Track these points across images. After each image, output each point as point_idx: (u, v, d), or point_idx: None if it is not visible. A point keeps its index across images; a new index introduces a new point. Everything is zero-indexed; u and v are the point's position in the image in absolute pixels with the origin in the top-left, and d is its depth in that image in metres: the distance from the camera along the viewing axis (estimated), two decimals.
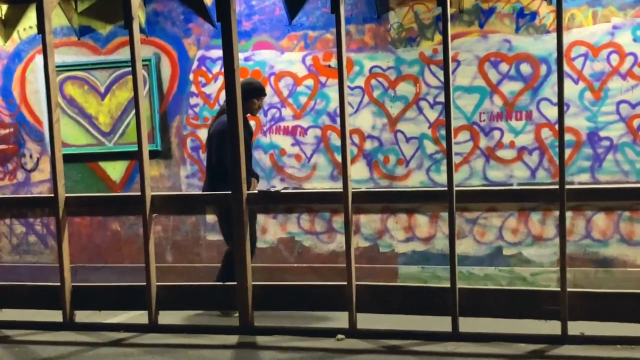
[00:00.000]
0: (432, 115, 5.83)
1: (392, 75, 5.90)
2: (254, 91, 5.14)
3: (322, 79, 6.04)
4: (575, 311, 3.68)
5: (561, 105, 3.66)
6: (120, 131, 6.50)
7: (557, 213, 3.75)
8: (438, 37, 5.74)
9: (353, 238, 4.03)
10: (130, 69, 4.38)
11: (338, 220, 6.02)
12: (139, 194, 4.27)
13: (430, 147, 5.86)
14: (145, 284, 4.26)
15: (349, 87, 5.87)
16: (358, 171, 5.94)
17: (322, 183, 6.05)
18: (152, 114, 6.31)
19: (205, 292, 4.37)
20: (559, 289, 3.70)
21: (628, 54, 5.42)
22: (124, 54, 6.32)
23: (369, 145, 5.99)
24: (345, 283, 3.99)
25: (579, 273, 5.51)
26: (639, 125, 5.44)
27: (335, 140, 5.98)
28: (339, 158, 5.85)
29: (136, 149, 4.27)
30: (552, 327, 3.74)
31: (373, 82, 5.95)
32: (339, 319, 4.13)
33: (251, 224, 5.33)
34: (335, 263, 5.97)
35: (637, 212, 5.47)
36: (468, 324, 3.83)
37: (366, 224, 6.01)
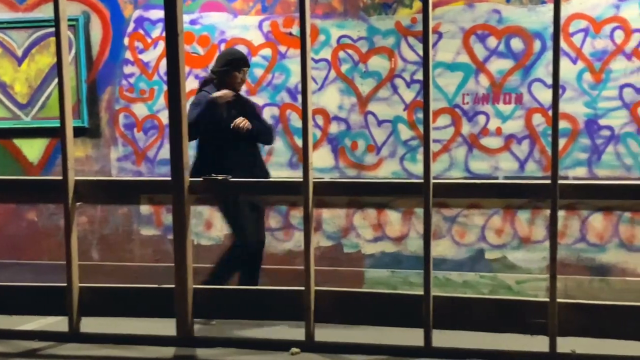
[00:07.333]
0: (409, 95, 5.87)
1: (363, 48, 5.91)
2: (235, 62, 5.22)
3: (282, 48, 6.03)
4: (566, 326, 3.74)
5: (556, 87, 3.71)
6: (40, 103, 6.42)
7: (548, 212, 3.81)
8: (418, 5, 5.76)
9: (313, 236, 4.04)
10: (53, 29, 4.31)
11: (296, 215, 6.03)
12: (60, 178, 4.22)
13: (405, 133, 5.89)
14: (65, 284, 4.22)
15: (312, 59, 5.86)
16: (321, 158, 5.95)
17: (279, 171, 6.04)
18: (79, 83, 6.24)
19: (137, 296, 4.34)
20: (547, 300, 3.76)
21: (634, 31, 5.51)
22: (46, 12, 6.22)
23: (334, 128, 6.00)
24: (303, 288, 4.00)
25: (571, 282, 5.61)
26: None
27: (296, 122, 5.98)
28: (299, 142, 5.84)
29: (58, 124, 4.21)
30: (539, 343, 3.79)
31: (341, 54, 5.95)
32: (295, 330, 4.14)
33: (258, 217, 5.34)
34: (292, 265, 5.97)
35: (639, 214, 5.58)
36: (443, 338, 3.87)
37: (329, 220, 6.03)
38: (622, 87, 5.55)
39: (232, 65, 5.18)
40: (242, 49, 5.98)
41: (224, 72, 5.17)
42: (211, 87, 5.17)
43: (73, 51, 6.21)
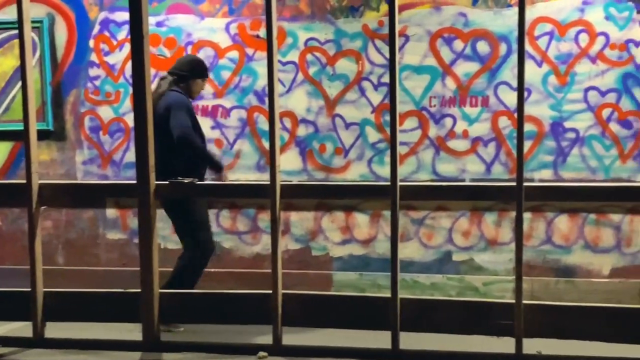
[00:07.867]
0: (376, 98, 5.87)
1: (330, 50, 5.91)
2: (202, 70, 5.22)
3: (249, 51, 6.01)
4: (532, 327, 3.76)
5: (521, 90, 3.73)
6: (4, 106, 6.34)
7: (514, 214, 3.83)
8: (385, 8, 5.77)
9: (281, 239, 4.02)
10: (17, 31, 4.26)
11: (264, 218, 6.01)
12: (24, 181, 4.17)
13: (372, 135, 5.90)
14: (30, 289, 4.16)
15: (280, 62, 5.85)
16: (289, 161, 5.94)
17: (246, 174, 6.03)
18: (43, 86, 6.17)
19: (103, 300, 4.30)
20: (513, 301, 3.78)
21: (599, 34, 5.57)
22: (10, 13, 6.14)
23: (302, 130, 5.99)
24: (271, 292, 3.99)
25: (537, 283, 5.65)
26: (608, 115, 5.60)
27: (263, 124, 5.96)
28: (266, 145, 5.83)
29: (22, 128, 4.17)
30: (505, 345, 3.81)
31: (309, 57, 5.95)
32: (263, 334, 4.12)
33: (202, 215, 5.23)
34: (260, 268, 5.96)
35: (604, 215, 5.64)
36: (411, 341, 3.88)
37: (297, 223, 6.02)
38: (586, 89, 5.61)
39: (198, 71, 5.19)
40: (209, 51, 5.97)
41: (189, 77, 5.12)
42: (178, 88, 5.09)
43: (37, 53, 6.14)
